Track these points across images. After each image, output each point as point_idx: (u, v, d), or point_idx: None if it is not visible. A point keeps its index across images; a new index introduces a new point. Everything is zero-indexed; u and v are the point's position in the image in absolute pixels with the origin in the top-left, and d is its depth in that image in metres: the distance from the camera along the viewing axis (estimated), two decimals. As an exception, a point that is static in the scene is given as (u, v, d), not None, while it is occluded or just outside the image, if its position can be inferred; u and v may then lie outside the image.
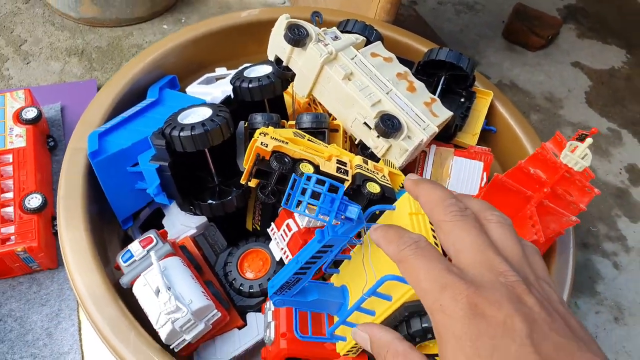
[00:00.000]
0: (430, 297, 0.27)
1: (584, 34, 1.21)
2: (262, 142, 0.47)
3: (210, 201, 0.54)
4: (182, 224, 0.57)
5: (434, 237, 0.38)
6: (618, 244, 0.88)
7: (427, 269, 0.28)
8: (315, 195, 0.38)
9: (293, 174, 0.40)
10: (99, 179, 0.53)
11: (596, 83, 1.11)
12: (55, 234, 0.70)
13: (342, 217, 0.38)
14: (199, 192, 0.55)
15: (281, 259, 0.53)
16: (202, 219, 0.58)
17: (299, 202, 0.38)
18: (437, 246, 0.37)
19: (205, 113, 0.52)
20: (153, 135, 0.52)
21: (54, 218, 0.71)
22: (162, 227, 0.59)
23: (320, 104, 0.60)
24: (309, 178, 0.38)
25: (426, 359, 0.31)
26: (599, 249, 0.87)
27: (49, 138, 0.79)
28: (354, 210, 0.38)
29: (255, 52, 0.76)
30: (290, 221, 0.52)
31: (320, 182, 0.38)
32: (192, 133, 0.49)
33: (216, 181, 0.57)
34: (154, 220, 0.61)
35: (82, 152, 0.54)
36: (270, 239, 0.55)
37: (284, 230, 0.52)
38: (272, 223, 0.54)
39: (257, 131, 0.49)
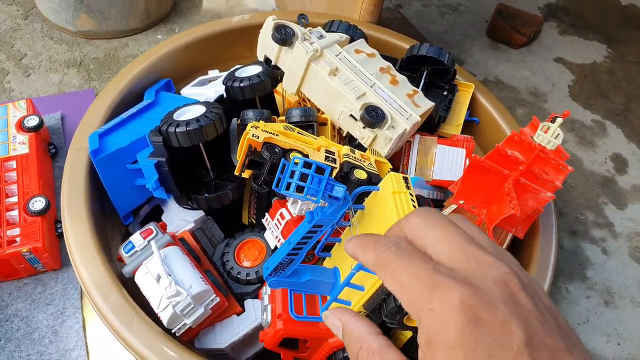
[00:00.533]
0: (419, 300, 0.24)
1: (565, 31, 1.24)
2: (253, 134, 0.50)
3: (206, 194, 0.56)
4: (180, 218, 0.60)
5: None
6: (606, 230, 0.90)
7: (411, 269, 0.25)
8: (303, 178, 0.41)
9: (282, 159, 0.43)
10: (101, 177, 0.55)
11: (579, 77, 1.14)
12: (59, 236, 0.73)
13: (329, 196, 0.40)
14: (196, 187, 0.58)
15: (276, 246, 0.55)
16: (200, 213, 0.61)
17: (288, 185, 0.41)
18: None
19: (199, 110, 0.55)
20: (150, 133, 0.54)
21: (57, 221, 0.73)
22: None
23: (308, 100, 0.63)
24: (296, 162, 0.41)
25: (405, 359, 0.29)
26: (587, 236, 0.89)
27: (50, 145, 0.82)
28: (339, 190, 0.40)
29: (246, 56, 0.79)
30: (283, 210, 0.55)
31: (307, 166, 0.40)
32: (187, 129, 0.52)
33: (212, 175, 0.59)
34: (153, 217, 0.63)
35: (84, 152, 0.56)
36: (265, 229, 0.58)
37: (277, 219, 0.55)
38: (266, 213, 0.57)
39: (249, 125, 0.52)
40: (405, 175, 0.43)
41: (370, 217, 0.44)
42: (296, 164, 0.41)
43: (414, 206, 0.41)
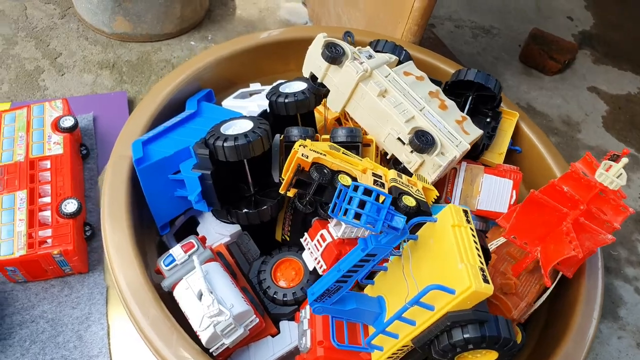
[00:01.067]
0: None
1: (599, 60, 1.23)
2: (302, 154, 0.49)
3: (246, 210, 0.55)
4: (216, 232, 0.59)
5: (479, 254, 0.40)
6: (639, 269, 0.88)
7: None
8: (360, 205, 0.39)
9: (340, 183, 0.42)
10: (142, 185, 0.55)
11: (613, 108, 1.13)
12: (87, 239, 0.72)
13: (387, 226, 0.39)
14: (236, 201, 0.57)
15: (314, 268, 0.54)
16: (236, 228, 0.60)
17: (346, 211, 0.39)
18: (483, 265, 0.39)
19: (246, 125, 0.54)
20: (196, 145, 0.54)
21: (85, 224, 0.73)
22: (197, 234, 0.60)
23: (351, 119, 0.63)
24: (356, 188, 0.40)
25: None
26: (620, 273, 0.87)
27: (81, 146, 0.82)
28: (400, 220, 0.39)
29: (280, 71, 0.79)
30: (324, 232, 0.54)
31: (366, 192, 0.39)
32: (236, 143, 0.51)
33: (252, 191, 0.58)
34: (187, 228, 0.63)
35: (126, 160, 0.56)
36: (302, 249, 0.57)
37: (317, 241, 0.54)
38: (305, 233, 0.56)
39: (297, 143, 0.51)
40: (465, 209, 0.42)
41: (425, 249, 0.43)
42: (355, 190, 0.40)
43: (474, 242, 0.40)
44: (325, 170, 0.49)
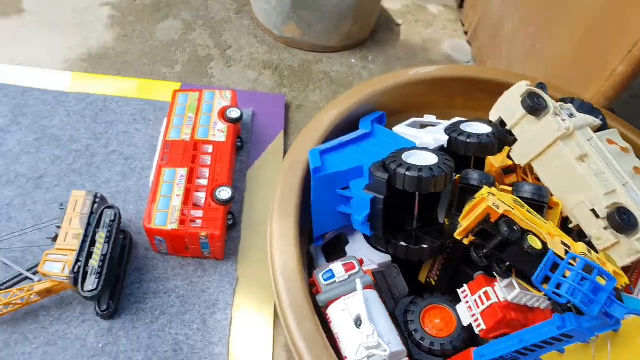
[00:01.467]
0: None
1: None
2: (494, 203, 0.46)
3: (406, 244, 0.53)
4: (366, 256, 0.57)
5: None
6: None
7: None
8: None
9: (550, 251, 0.38)
10: (312, 194, 0.55)
11: None
12: (228, 227, 0.74)
13: (604, 313, 0.35)
14: (396, 232, 0.55)
15: (470, 325, 0.50)
16: (386, 258, 0.58)
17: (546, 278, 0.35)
18: None
19: (429, 158, 0.52)
20: (374, 167, 0.53)
21: (229, 213, 0.75)
22: (344, 253, 0.59)
23: (532, 174, 0.58)
24: (574, 260, 0.36)
25: None
26: None
27: (238, 139, 0.85)
28: (620, 310, 0.34)
29: (439, 106, 0.76)
30: (489, 289, 0.50)
31: (586, 268, 0.35)
32: (419, 175, 0.49)
33: (414, 226, 0.56)
34: (333, 245, 0.62)
35: (301, 165, 0.56)
36: (454, 298, 0.53)
37: (479, 297, 0.50)
38: (464, 285, 0.52)
39: (485, 190, 0.48)
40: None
41: (629, 345, 0.37)
42: (572, 263, 0.36)
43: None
44: (515, 227, 0.45)
